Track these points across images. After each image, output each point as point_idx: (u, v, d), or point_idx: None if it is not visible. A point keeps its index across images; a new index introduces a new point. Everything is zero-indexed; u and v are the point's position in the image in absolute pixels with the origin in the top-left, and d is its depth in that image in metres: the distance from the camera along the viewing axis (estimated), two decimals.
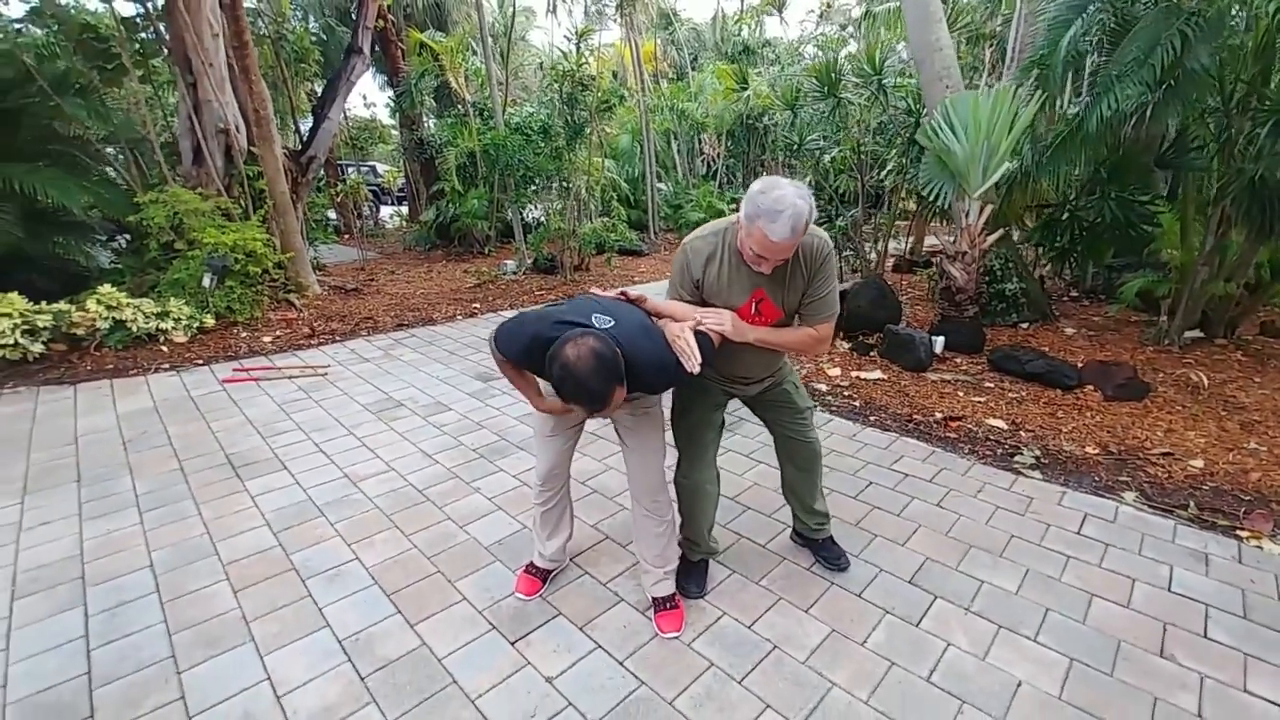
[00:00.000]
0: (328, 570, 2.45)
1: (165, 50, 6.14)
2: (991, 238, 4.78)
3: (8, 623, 2.17)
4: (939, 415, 3.90)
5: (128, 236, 6.60)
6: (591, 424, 2.66)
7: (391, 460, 3.36)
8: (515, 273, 8.40)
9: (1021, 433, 3.68)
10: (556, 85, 7.58)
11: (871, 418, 3.93)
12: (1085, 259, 5.73)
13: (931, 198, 4.67)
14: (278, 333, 5.71)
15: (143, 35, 6.10)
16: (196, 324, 5.40)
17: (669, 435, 2.20)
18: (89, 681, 1.92)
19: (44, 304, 4.88)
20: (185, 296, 5.53)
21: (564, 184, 7.99)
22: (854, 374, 4.62)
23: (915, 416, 3.91)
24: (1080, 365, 4.30)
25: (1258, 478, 3.14)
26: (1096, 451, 3.43)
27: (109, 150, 6.39)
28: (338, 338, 5.74)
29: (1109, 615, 2.22)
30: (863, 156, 6.62)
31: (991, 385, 4.33)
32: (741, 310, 1.90)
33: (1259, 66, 4.17)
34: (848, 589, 2.36)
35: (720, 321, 1.84)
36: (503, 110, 8.72)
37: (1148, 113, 4.32)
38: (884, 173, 6.81)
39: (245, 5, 8.19)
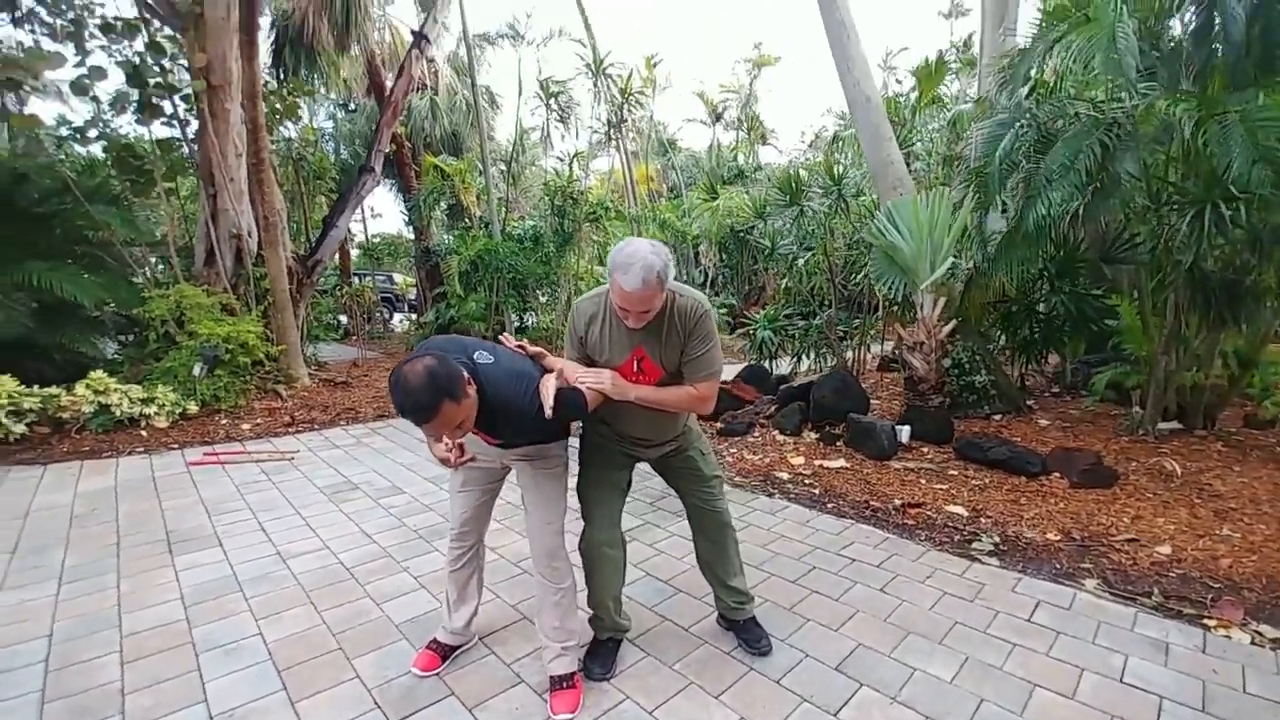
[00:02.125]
0: (226, 644, 2.35)
1: (193, 166, 6.83)
2: (946, 328, 4.89)
3: None
4: (898, 502, 3.80)
5: (136, 330, 6.96)
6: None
7: (329, 539, 3.31)
8: None
9: (982, 519, 3.55)
10: (548, 199, 8.22)
11: (829, 505, 3.84)
12: (1043, 351, 5.79)
13: (883, 291, 4.85)
14: (259, 420, 5.83)
15: (175, 154, 6.80)
16: (179, 410, 5.55)
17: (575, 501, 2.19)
18: None
19: (37, 388, 5.09)
20: (174, 384, 5.73)
21: (553, 288, 8.41)
22: (817, 463, 4.56)
23: (873, 503, 3.80)
24: (1046, 453, 4.22)
25: (1229, 564, 2.97)
26: (1058, 538, 3.28)
27: (131, 252, 6.91)
28: (316, 426, 5.83)
29: (1050, 706, 2.04)
30: (832, 260, 6.96)
31: (955, 473, 4.24)
32: (623, 368, 1.97)
33: (1183, 170, 4.46)
34: (766, 674, 2.21)
35: (599, 380, 1.90)
36: (502, 222, 9.40)
37: (1079, 213, 4.57)
38: (859, 276, 7.13)
39: (284, 132, 9.23)
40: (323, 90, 12.37)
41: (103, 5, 6.62)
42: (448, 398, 1.61)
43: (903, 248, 4.58)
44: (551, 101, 8.46)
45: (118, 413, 5.22)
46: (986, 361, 5.80)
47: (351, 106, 14.01)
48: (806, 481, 4.24)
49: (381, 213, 33.89)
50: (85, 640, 2.38)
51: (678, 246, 14.08)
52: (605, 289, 2.01)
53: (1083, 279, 5.07)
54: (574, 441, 2.24)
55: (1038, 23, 5.11)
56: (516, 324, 9.99)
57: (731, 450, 4.91)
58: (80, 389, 5.12)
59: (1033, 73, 4.96)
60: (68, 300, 6.07)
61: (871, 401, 6.01)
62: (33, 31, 6.74)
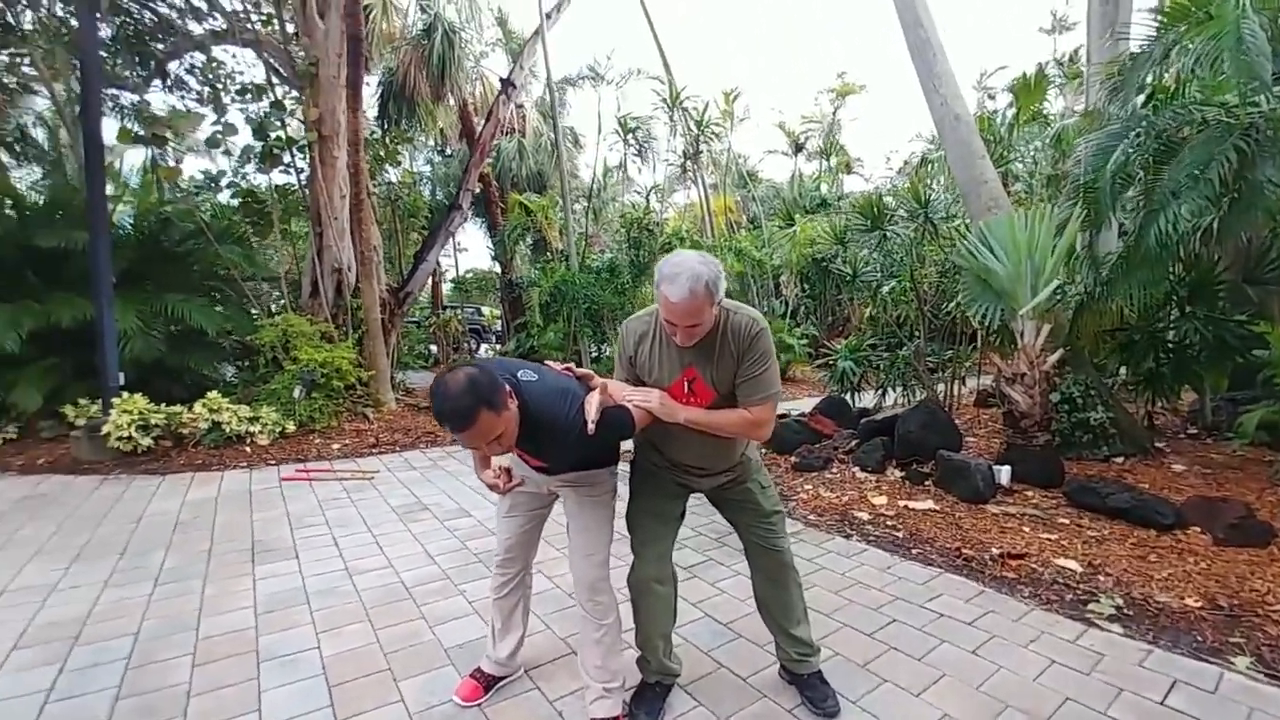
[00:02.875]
0: (286, 655, 2.40)
1: (304, 208, 7.53)
2: (1052, 358, 4.40)
3: None
4: (996, 552, 3.38)
5: (251, 355, 7.66)
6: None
7: (394, 557, 3.37)
8: None
9: (1100, 576, 3.07)
10: (624, 231, 8.34)
11: (914, 550, 3.47)
12: (1173, 386, 5.06)
13: (976, 318, 4.45)
14: (347, 441, 6.17)
15: (290, 198, 7.54)
16: (279, 429, 5.98)
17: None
18: None
19: (163, 405, 5.66)
20: (277, 405, 6.20)
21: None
22: (902, 504, 4.17)
23: (966, 551, 3.40)
24: (1181, 502, 3.63)
25: None
26: (1199, 604, 2.77)
27: (250, 286, 7.68)
28: (398, 448, 6.10)
29: None
30: (921, 288, 6.54)
31: (1066, 521, 3.73)
32: (673, 389, 1.86)
33: None
34: None
35: (647, 399, 1.81)
36: (580, 255, 9.64)
37: (1213, 228, 4.01)
38: (951, 305, 6.64)
39: (386, 176, 10.04)
40: (421, 138, 13.43)
41: (242, 73, 7.49)
42: (486, 406, 1.56)
43: (998, 270, 4.19)
44: (629, 137, 8.67)
45: (228, 430, 5.70)
46: (1103, 396, 5.15)
47: (448, 152, 15.08)
48: (889, 523, 3.88)
49: (468, 248, 36.21)
50: (165, 640, 2.51)
51: (756, 277, 13.86)
52: (656, 307, 1.92)
53: (1221, 303, 4.42)
54: (625, 468, 2.15)
55: (1154, 24, 4.65)
56: (594, 353, 10.13)
57: (806, 487, 4.61)
58: (198, 408, 5.65)
59: (1148, 79, 4.48)
60: (195, 328, 6.80)
61: (966, 439, 5.50)
62: (183, 96, 7.79)
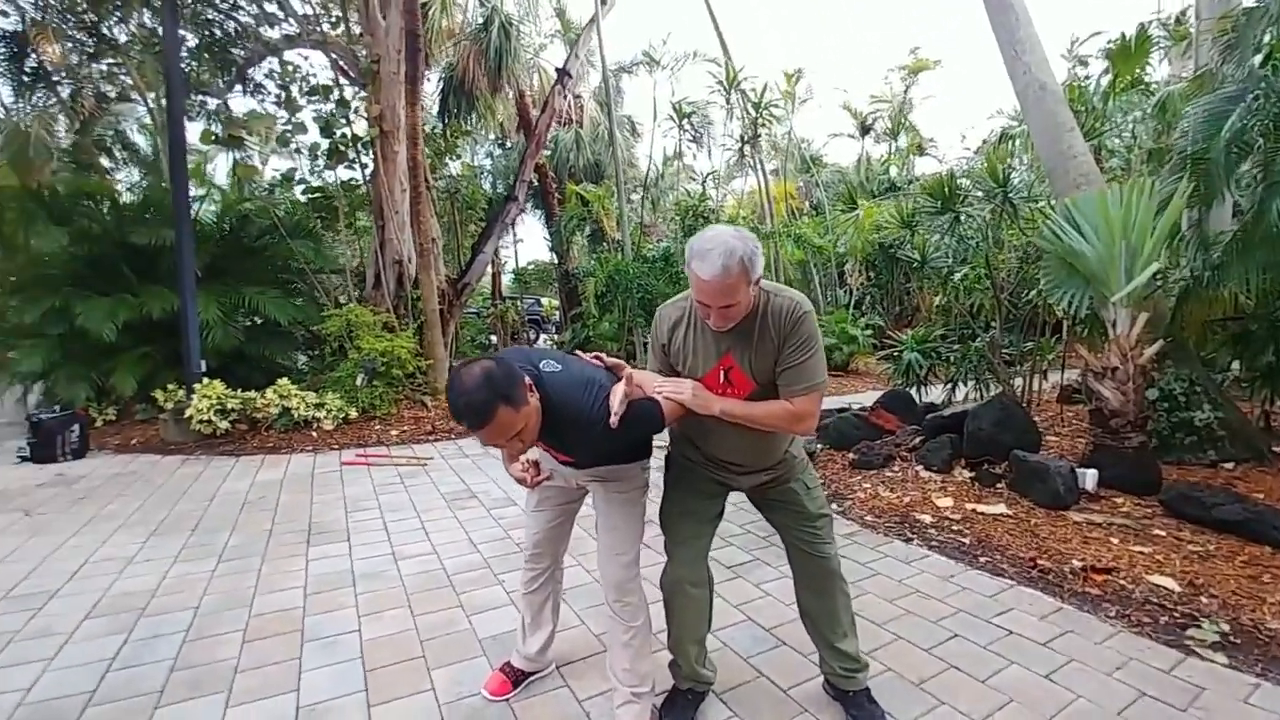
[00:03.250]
0: (327, 637, 2.45)
1: (368, 202, 7.80)
2: (1150, 350, 3.93)
3: (69, 637, 2.45)
4: (1078, 564, 3.05)
5: (320, 344, 8.05)
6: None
7: (439, 544, 3.41)
8: None
9: (1203, 598, 2.72)
10: (678, 218, 8.18)
11: (982, 559, 3.19)
12: None
13: (1061, 306, 4.04)
14: (405, 428, 6.37)
15: (355, 193, 7.82)
16: (343, 415, 6.23)
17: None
18: (87, 700, 2.05)
19: (239, 391, 6.01)
20: (341, 392, 6.47)
21: None
22: (970, 507, 3.86)
23: (1042, 562, 3.09)
24: None
25: None
26: None
27: (319, 278, 8.04)
28: (453, 436, 6.23)
29: None
30: (997, 274, 6.05)
31: (1163, 534, 3.33)
32: (709, 379, 1.73)
33: None
34: None
35: (679, 390, 1.69)
36: (635, 245, 9.56)
37: None
38: (1033, 292, 6.13)
39: (448, 169, 10.30)
40: (481, 132, 13.68)
41: (314, 75, 7.82)
42: (504, 401, 1.47)
43: (1086, 253, 3.78)
44: (685, 122, 8.47)
45: (296, 415, 5.99)
46: (1211, 394, 4.60)
47: (507, 145, 15.32)
48: (954, 528, 3.59)
49: (523, 239, 36.82)
50: (221, 616, 2.62)
51: (819, 265, 13.37)
52: (691, 291, 1.79)
53: None
54: (660, 462, 2.04)
55: None
56: (648, 343, 10.04)
57: (864, 485, 4.36)
58: (269, 394, 5.96)
59: (1266, 38, 3.92)
60: (269, 319, 7.18)
61: (1046, 438, 5.07)
62: (261, 100, 8.20)
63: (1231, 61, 4.33)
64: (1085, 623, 2.55)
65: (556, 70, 9.47)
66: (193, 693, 2.10)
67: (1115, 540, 3.30)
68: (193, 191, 8.92)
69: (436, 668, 2.25)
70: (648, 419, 1.64)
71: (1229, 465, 4.38)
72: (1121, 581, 2.88)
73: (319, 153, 7.42)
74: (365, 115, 7.40)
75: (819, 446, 5.13)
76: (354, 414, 6.31)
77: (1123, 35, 6.44)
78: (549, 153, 14.03)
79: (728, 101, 8.23)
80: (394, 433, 6.19)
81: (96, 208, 6.96)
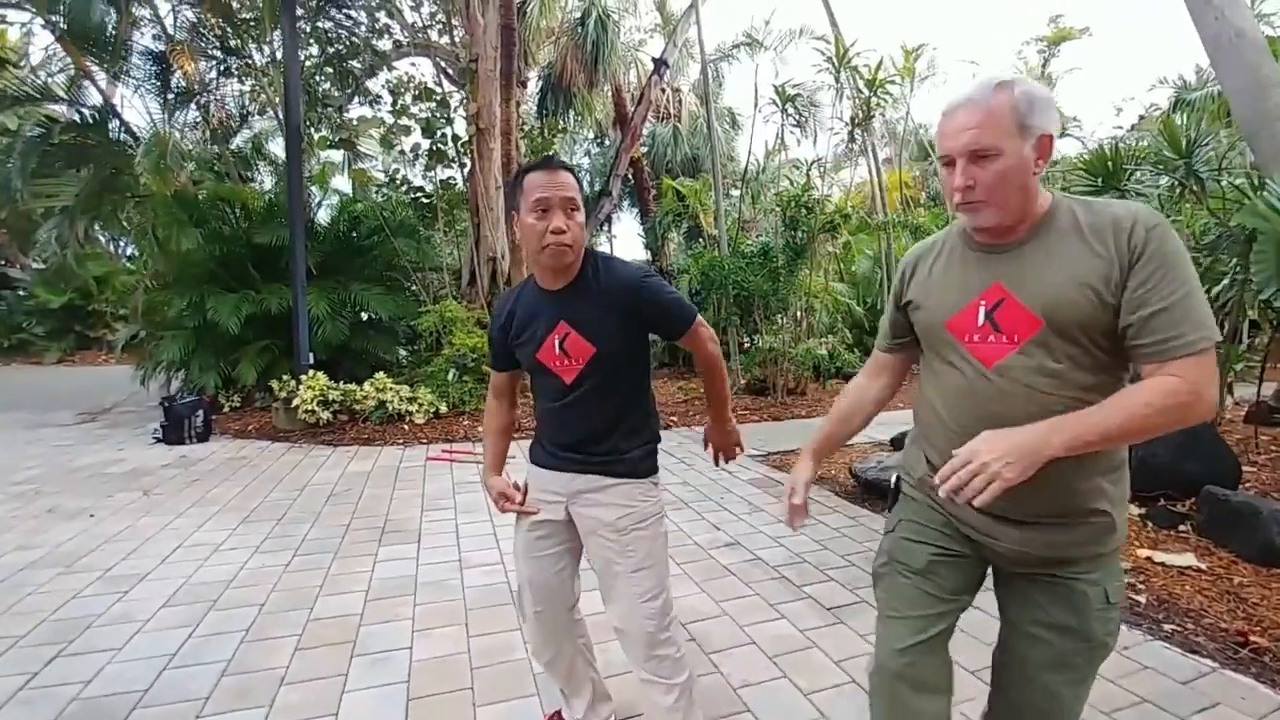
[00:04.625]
0: (378, 652, 2.28)
1: (465, 201, 7.94)
2: None
3: (142, 626, 2.46)
4: None
5: (420, 339, 8.32)
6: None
7: (507, 553, 3.20)
8: None
9: None
10: (779, 209, 7.62)
11: (1166, 626, 2.48)
12: None
13: (1278, 303, 3.13)
14: None
15: (453, 191, 8.00)
16: (434, 410, 6.32)
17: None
18: (137, 700, 1.99)
19: (341, 383, 6.26)
20: (433, 387, 6.58)
21: (783, 306, 7.73)
22: (1144, 554, 3.09)
23: (1256, 639, 2.34)
24: None
25: None
26: None
27: (421, 275, 8.31)
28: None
29: None
30: None
31: None
32: (961, 320, 1.14)
33: None
34: None
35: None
36: (731, 240, 9.08)
37: None
38: (1217, 288, 5.01)
39: None
40: (581, 131, 13.74)
41: (425, 80, 8.09)
42: (570, 171, 1.44)
43: None
44: (788, 106, 7.89)
45: (390, 409, 6.14)
46: None
47: (605, 143, 15.33)
48: (1126, 580, 2.86)
49: (617, 235, 37.09)
50: (282, 617, 2.54)
51: None
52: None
53: None
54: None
55: None
56: (745, 344, 9.53)
57: None
58: (366, 387, 6.15)
59: None
60: (374, 314, 7.48)
61: (1243, 470, 4.05)
62: (378, 110, 8.62)
63: None
64: None
65: (654, 60, 9.22)
66: (236, 703, 1.99)
67: None
68: (317, 196, 9.63)
69: (483, 704, 2.00)
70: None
71: None
72: None
73: (420, 153, 7.65)
74: (464, 114, 7.52)
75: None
76: (444, 409, 6.38)
77: None
78: (646, 148, 13.85)
79: (837, 80, 7.55)
80: (481, 429, 6.18)
81: (230, 212, 7.57)
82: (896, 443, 5.28)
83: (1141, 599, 2.71)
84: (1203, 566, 2.93)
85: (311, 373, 6.17)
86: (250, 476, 4.65)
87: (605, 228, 13.16)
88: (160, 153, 6.46)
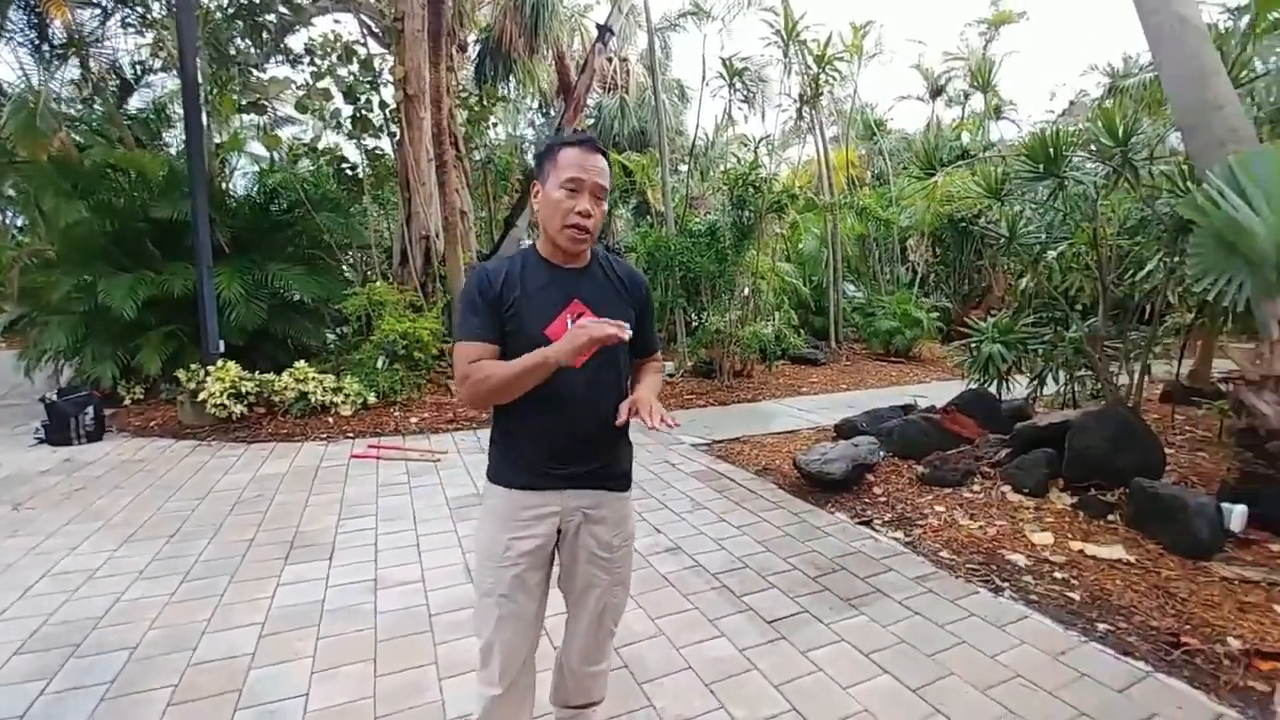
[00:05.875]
0: (268, 703, 2.01)
1: (394, 173, 7.38)
2: None
3: None
4: (1235, 643, 2.30)
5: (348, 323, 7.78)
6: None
7: (429, 568, 2.95)
8: (671, 375, 8.03)
9: None
10: (727, 189, 7.42)
11: (1100, 625, 2.48)
12: None
13: (1214, 297, 3.16)
14: (425, 415, 5.99)
15: (380, 162, 7.41)
16: (361, 400, 5.90)
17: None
18: None
19: (257, 373, 5.75)
20: (362, 376, 6.14)
21: (729, 287, 7.59)
22: (1076, 546, 3.11)
23: (1188, 639, 2.35)
24: None
25: None
26: None
27: (348, 254, 7.74)
28: (474, 425, 5.81)
29: None
30: (1103, 251, 5.08)
31: None
32: None
33: None
34: None
35: None
36: (679, 218, 8.85)
37: None
38: (1141, 274, 5.14)
39: (491, 138, 9.79)
40: (525, 101, 13.09)
41: (348, 36, 7.36)
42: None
43: (1254, 228, 2.89)
44: (735, 80, 7.64)
45: (313, 400, 5.69)
46: None
47: (550, 114, 14.69)
48: (1057, 574, 2.87)
49: None
50: (157, 663, 2.22)
51: (880, 240, 12.29)
52: None
53: None
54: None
55: None
56: (693, 322, 9.37)
57: (937, 508, 3.65)
58: (285, 377, 5.67)
59: None
60: (294, 296, 6.91)
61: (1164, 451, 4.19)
62: (301, 70, 7.80)
63: None
64: None
65: (598, 27, 8.74)
66: None
67: None
68: (231, 164, 8.79)
69: None
70: None
71: None
72: None
73: (343, 120, 7.02)
74: (391, 79, 6.93)
75: (881, 454, 4.41)
76: (373, 399, 5.97)
77: None
78: (592, 120, 13.35)
79: (785, 55, 7.33)
80: (413, 420, 5.82)
81: (123, 182, 6.78)
82: (841, 430, 5.25)
83: (1076, 596, 2.71)
84: (1131, 559, 2.97)
85: (222, 362, 5.63)
86: (144, 483, 4.18)
87: None
88: (30, 113, 5.64)
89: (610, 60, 12.31)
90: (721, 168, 15.52)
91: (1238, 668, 2.19)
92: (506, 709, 1.45)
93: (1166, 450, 4.43)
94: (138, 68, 8.77)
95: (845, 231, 11.24)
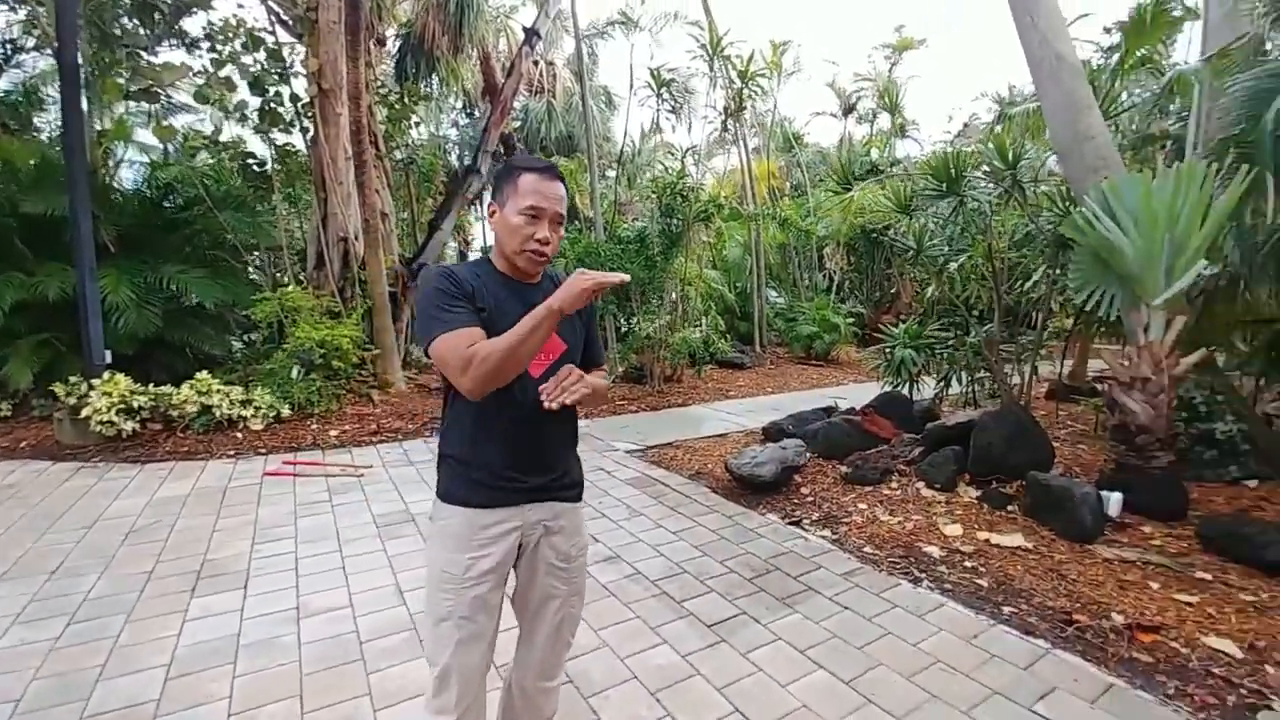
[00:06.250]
0: None
1: (308, 171, 6.96)
2: (1188, 360, 3.48)
3: None
4: (1119, 619, 2.59)
5: (257, 330, 7.24)
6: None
7: (356, 592, 2.80)
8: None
9: (1269, 668, 2.28)
10: (655, 196, 7.52)
11: (1006, 609, 2.71)
12: None
13: (1089, 306, 3.55)
14: (346, 427, 5.68)
15: (292, 160, 6.97)
16: (274, 413, 5.52)
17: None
18: None
19: (153, 386, 5.24)
20: (274, 386, 5.73)
21: (658, 293, 7.70)
22: (982, 536, 3.39)
23: (1079, 616, 2.62)
24: None
25: None
26: None
27: (257, 255, 7.22)
28: (400, 437, 5.57)
29: None
30: (998, 264, 5.57)
31: (1207, 576, 2.90)
32: None
33: None
34: None
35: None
36: (608, 224, 8.88)
37: None
38: (1029, 283, 5.68)
39: (413, 137, 9.40)
40: (449, 100, 12.70)
41: (255, 23, 6.84)
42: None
43: (1124, 248, 3.28)
44: (663, 91, 7.77)
45: (218, 414, 5.26)
46: (1235, 405, 4.21)
47: (475, 114, 14.34)
48: (967, 564, 3.12)
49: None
50: (48, 715, 1.98)
51: (800, 249, 12.87)
52: None
53: None
54: None
55: None
56: (622, 329, 9.41)
57: (860, 506, 3.86)
58: (185, 390, 5.21)
59: None
60: (196, 302, 6.37)
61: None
62: (200, 55, 7.19)
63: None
64: (1145, 710, 2.08)
65: (525, 30, 8.64)
66: None
67: (1155, 585, 2.85)
68: (118, 155, 7.96)
69: None
70: None
71: (1252, 483, 4.01)
72: (1173, 644, 2.43)
73: (249, 112, 6.54)
74: (304, 72, 6.53)
75: (806, 456, 4.62)
76: (287, 412, 5.59)
77: (1139, 5, 5.92)
78: (518, 123, 13.14)
79: (710, 69, 7.55)
80: (333, 433, 5.50)
81: None
82: (769, 433, 5.45)
83: (984, 582, 2.95)
84: (1029, 546, 3.27)
85: (110, 374, 5.09)
86: (16, 512, 3.71)
87: (473, 206, 12.34)
88: None
89: (537, 64, 12.18)
90: (649, 174, 15.74)
91: (1122, 641, 2.46)
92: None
93: (1054, 444, 4.92)
94: (7, 46, 7.79)
95: (768, 240, 11.69)
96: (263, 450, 5.05)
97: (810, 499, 4.04)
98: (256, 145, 7.58)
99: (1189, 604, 2.68)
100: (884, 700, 2.09)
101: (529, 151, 11.81)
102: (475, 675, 1.41)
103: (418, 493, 4.14)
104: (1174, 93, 6.39)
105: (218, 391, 5.34)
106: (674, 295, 7.86)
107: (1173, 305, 3.44)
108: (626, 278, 1.28)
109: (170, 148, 7.44)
